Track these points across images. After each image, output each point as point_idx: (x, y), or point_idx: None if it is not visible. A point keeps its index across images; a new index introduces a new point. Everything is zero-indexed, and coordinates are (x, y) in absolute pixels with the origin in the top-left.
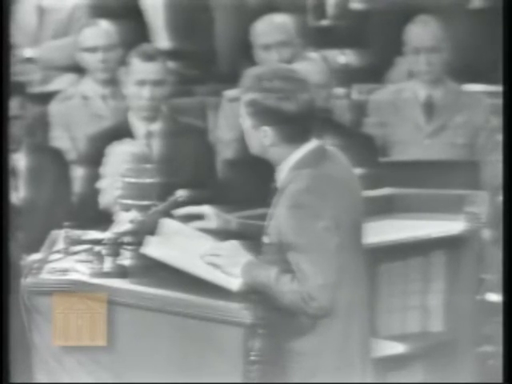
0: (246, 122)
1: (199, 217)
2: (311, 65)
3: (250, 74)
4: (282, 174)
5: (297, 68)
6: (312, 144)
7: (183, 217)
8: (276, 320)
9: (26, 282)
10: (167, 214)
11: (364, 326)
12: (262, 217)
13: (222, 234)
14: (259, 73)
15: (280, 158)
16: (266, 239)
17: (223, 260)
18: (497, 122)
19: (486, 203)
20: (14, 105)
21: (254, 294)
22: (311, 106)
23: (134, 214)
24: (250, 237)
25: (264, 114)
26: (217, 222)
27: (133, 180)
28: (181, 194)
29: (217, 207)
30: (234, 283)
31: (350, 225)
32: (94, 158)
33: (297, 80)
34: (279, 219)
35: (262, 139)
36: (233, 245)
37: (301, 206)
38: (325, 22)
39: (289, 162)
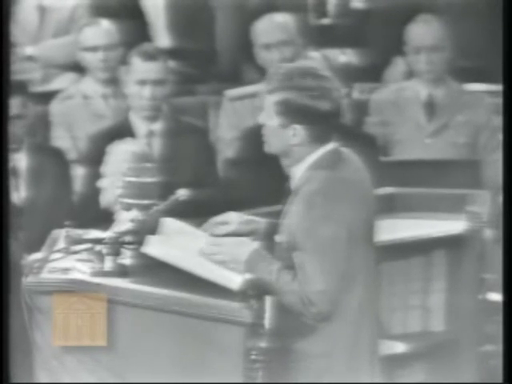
0: (273, 121)
1: (225, 222)
2: (312, 64)
3: (277, 72)
4: (298, 174)
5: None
6: (328, 145)
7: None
8: (284, 321)
9: (27, 281)
10: (168, 213)
11: (373, 326)
12: (266, 216)
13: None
14: (289, 71)
15: (300, 157)
16: (278, 238)
17: (225, 257)
18: (498, 121)
19: (487, 203)
20: (15, 104)
21: (256, 291)
22: (341, 104)
23: (134, 213)
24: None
25: (297, 113)
26: (243, 226)
27: (134, 179)
28: (182, 193)
29: (220, 206)
30: (235, 282)
31: (363, 226)
32: (95, 158)
33: (328, 78)
34: (291, 218)
35: (291, 138)
36: (233, 241)
37: (313, 207)
38: (326, 21)
39: (305, 162)
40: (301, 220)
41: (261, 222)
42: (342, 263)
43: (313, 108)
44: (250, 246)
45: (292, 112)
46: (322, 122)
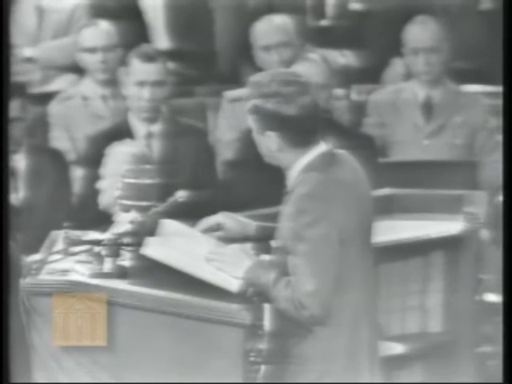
0: (254, 129)
1: (218, 227)
2: (311, 65)
3: (251, 80)
4: (291, 178)
5: (299, 71)
6: (321, 148)
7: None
8: (283, 323)
9: (26, 282)
10: (167, 214)
11: (371, 328)
12: (264, 217)
13: (241, 240)
14: (259, 79)
15: (288, 162)
16: (274, 243)
17: (228, 266)
18: (495, 122)
19: (484, 203)
20: (15, 106)
21: (256, 295)
22: (313, 109)
23: (133, 215)
24: (269, 239)
25: (266, 119)
26: (234, 228)
27: (132, 181)
28: (181, 194)
29: (219, 208)
30: (234, 284)
31: (358, 229)
32: (94, 159)
33: (296, 83)
34: (284, 222)
35: (268, 144)
36: (235, 249)
37: (303, 211)
38: (324, 23)
39: (298, 166)
40: (291, 223)
41: (252, 225)
42: (333, 265)
43: (277, 114)
44: (250, 256)
45: (262, 118)
46: (289, 128)
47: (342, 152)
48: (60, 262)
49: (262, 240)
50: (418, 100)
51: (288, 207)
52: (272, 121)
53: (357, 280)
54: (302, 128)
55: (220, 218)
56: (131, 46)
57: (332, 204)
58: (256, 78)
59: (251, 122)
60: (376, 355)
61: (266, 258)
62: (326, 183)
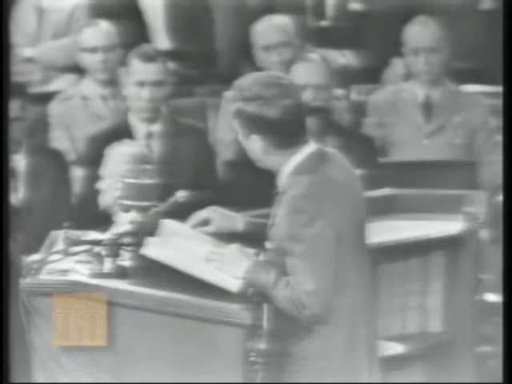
0: (239, 133)
1: (206, 221)
2: (311, 66)
3: (234, 84)
4: (282, 179)
5: (281, 74)
6: (311, 148)
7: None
8: (283, 323)
9: (25, 282)
10: (167, 214)
11: (370, 327)
12: (262, 217)
13: (229, 236)
14: (241, 83)
15: (276, 164)
16: (268, 245)
17: (227, 266)
18: (495, 122)
19: (483, 203)
20: (15, 106)
21: (256, 295)
22: (296, 110)
23: (133, 215)
24: (258, 235)
25: (249, 123)
26: (222, 223)
27: (132, 181)
28: (181, 194)
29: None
30: (234, 284)
31: (352, 227)
32: (94, 159)
33: (278, 86)
34: (278, 224)
35: (254, 148)
36: (234, 250)
37: (297, 212)
38: (324, 23)
39: (288, 166)
40: (286, 225)
41: (241, 220)
42: (331, 264)
43: (259, 116)
44: (249, 257)
45: (245, 122)
46: (273, 130)
47: (331, 151)
48: (60, 262)
49: (251, 235)
50: (417, 100)
51: (281, 208)
52: (255, 124)
53: (354, 279)
54: (286, 130)
55: (208, 212)
56: (131, 46)
57: (326, 203)
58: (239, 81)
59: (236, 126)
60: (375, 354)
61: (261, 258)
62: (317, 184)
